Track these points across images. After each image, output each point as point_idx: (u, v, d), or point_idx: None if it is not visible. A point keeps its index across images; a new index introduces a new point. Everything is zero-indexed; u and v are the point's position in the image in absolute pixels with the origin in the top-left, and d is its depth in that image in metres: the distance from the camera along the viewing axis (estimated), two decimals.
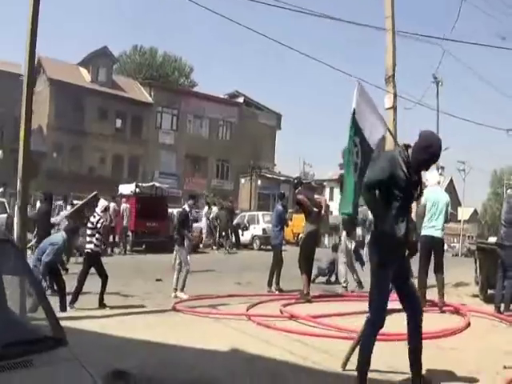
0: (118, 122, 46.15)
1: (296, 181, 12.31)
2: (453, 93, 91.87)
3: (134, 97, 46.10)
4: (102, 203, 11.33)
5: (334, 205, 52.80)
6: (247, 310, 8.52)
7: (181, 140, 47.68)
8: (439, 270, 9.48)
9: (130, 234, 22.50)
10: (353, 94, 8.75)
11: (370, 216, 15.57)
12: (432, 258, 9.51)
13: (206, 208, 25.99)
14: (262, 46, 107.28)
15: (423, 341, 6.53)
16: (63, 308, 8.99)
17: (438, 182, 10.08)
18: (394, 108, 11.52)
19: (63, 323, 7.27)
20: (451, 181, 66.20)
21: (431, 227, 9.33)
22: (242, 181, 47.42)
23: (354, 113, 8.74)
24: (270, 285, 11.86)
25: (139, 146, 45.37)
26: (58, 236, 9.72)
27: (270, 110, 54.94)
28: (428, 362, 4.76)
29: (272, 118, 54.94)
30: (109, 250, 20.75)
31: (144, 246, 23.75)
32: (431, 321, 8.07)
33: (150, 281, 13.89)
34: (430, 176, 9.83)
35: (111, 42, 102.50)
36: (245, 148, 48.31)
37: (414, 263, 12.50)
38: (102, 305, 9.64)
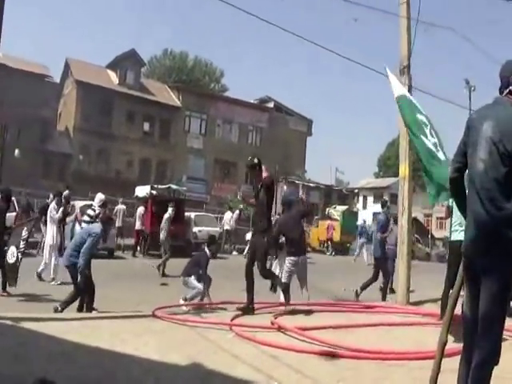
0: (146, 126, 45.74)
1: (256, 161, 8.82)
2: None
3: (162, 100, 45.77)
4: (100, 197, 10.70)
5: (366, 214, 51.02)
6: (232, 320, 7.59)
7: (209, 145, 47.15)
8: None
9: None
10: (388, 80, 7.85)
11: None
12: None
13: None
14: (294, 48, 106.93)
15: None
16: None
17: None
18: None
19: (26, 324, 6.64)
20: None
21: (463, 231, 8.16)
22: None
23: (403, 96, 7.85)
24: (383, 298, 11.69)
25: (167, 150, 44.93)
26: (95, 226, 9.21)
27: (300, 116, 54.05)
28: None
29: (303, 123, 54.11)
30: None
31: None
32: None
33: (156, 285, 13.32)
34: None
35: (141, 45, 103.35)
36: (275, 154, 47.42)
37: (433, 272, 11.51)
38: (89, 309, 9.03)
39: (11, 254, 10.50)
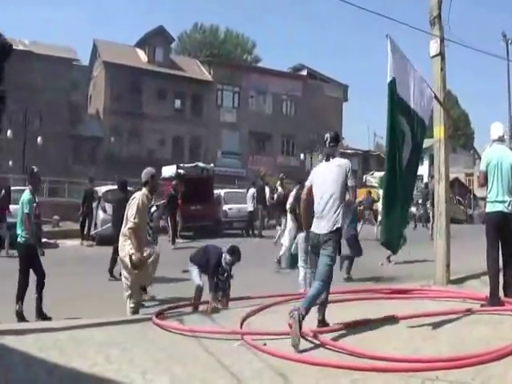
0: (178, 103, 44.87)
1: None
2: None
3: (192, 75, 44.72)
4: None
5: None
6: (242, 324, 6.54)
7: (243, 117, 46.01)
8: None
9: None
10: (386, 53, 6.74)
11: None
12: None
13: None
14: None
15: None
16: None
17: (500, 138, 7.46)
18: (442, 55, 9.32)
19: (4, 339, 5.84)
20: None
21: (501, 202, 7.00)
22: (302, 156, 45.02)
23: (392, 83, 6.75)
24: None
25: (200, 125, 43.94)
26: None
27: (335, 82, 52.33)
28: None
29: (338, 89, 52.37)
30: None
31: (194, 232, 22.10)
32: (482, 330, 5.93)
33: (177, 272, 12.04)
34: (492, 129, 7.47)
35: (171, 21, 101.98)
36: (311, 122, 46.00)
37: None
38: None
39: None
